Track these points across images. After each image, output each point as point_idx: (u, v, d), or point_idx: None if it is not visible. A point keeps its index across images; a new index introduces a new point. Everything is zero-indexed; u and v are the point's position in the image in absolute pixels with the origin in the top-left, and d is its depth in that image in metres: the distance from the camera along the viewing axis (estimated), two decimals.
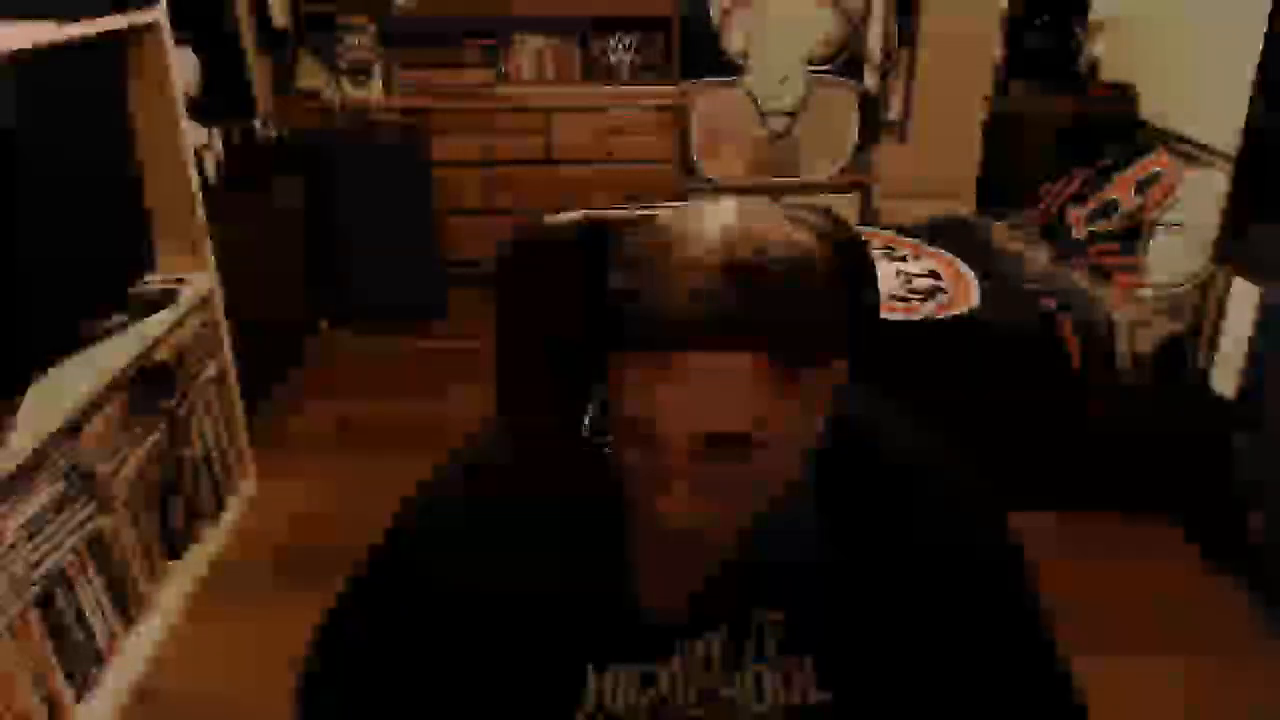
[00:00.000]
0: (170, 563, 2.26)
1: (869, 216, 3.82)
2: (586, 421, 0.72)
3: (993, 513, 0.85)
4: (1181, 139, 2.74)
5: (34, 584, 1.75)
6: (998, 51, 3.42)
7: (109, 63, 2.19)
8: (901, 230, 3.06)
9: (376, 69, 3.72)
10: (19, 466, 1.70)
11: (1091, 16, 3.20)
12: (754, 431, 0.66)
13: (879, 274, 1.19)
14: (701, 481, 0.67)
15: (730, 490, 0.68)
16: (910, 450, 0.83)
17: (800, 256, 0.66)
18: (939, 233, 3.02)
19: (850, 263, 1.04)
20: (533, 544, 0.77)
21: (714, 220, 0.67)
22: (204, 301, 2.41)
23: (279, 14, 3.64)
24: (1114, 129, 3.01)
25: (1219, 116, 2.47)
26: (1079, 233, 2.86)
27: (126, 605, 2.05)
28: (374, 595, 0.85)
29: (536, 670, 0.79)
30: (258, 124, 3.39)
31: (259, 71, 3.60)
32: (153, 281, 2.34)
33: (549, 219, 1.08)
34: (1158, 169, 2.76)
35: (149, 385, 2.18)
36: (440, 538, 0.81)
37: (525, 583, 0.76)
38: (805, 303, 0.66)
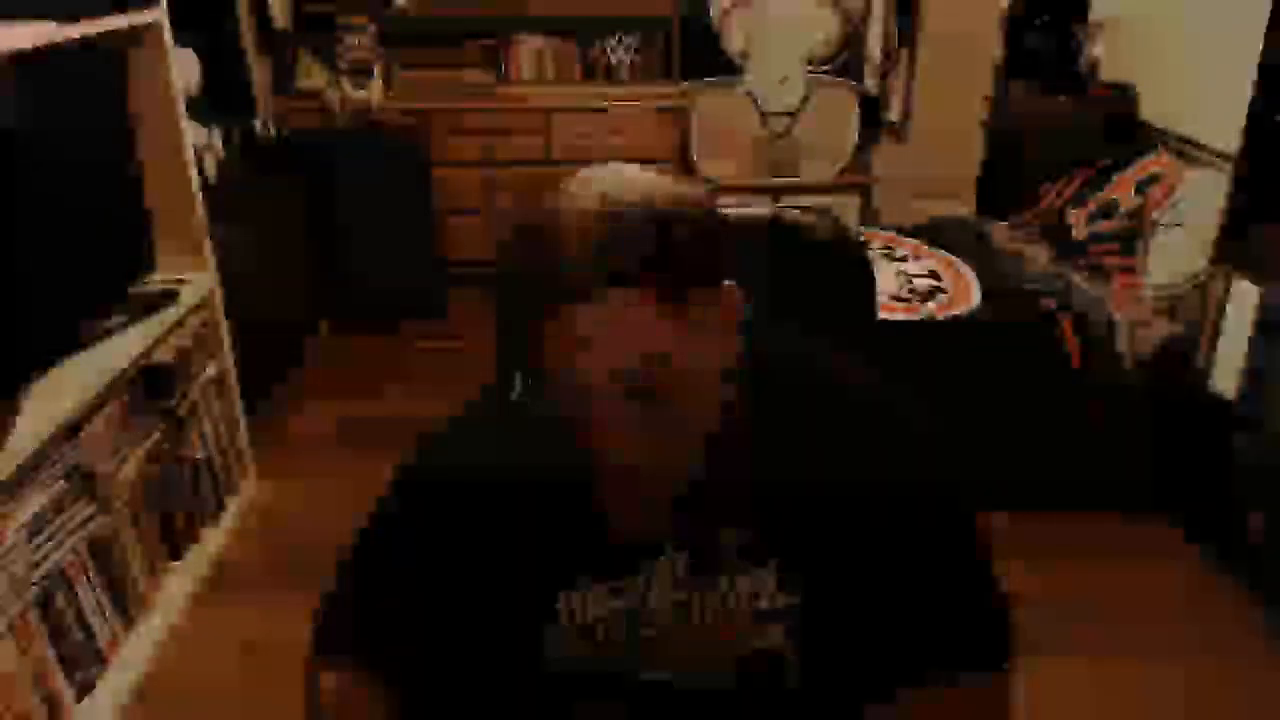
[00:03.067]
0: (170, 563, 2.26)
1: (869, 216, 3.83)
2: (516, 387, 0.82)
3: (925, 430, 0.88)
4: (1181, 139, 2.74)
5: (34, 584, 1.76)
6: (998, 51, 3.42)
7: (109, 63, 2.19)
8: (901, 230, 3.06)
9: (376, 69, 3.72)
10: (19, 466, 1.70)
11: (1091, 16, 3.20)
12: (658, 369, 0.72)
13: (879, 274, 1.20)
14: (626, 421, 0.73)
15: (658, 427, 0.74)
16: (842, 373, 0.90)
17: (664, 195, 0.73)
18: (939, 233, 3.02)
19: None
20: (512, 480, 0.85)
21: (583, 186, 0.74)
22: (204, 301, 2.41)
23: (279, 14, 3.64)
24: (1114, 129, 3.00)
25: (1219, 116, 2.47)
26: (1079, 233, 2.86)
27: (126, 605, 2.06)
28: (387, 523, 0.94)
29: (512, 590, 0.86)
30: (258, 124, 3.40)
31: (259, 71, 3.60)
32: (153, 281, 2.34)
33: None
34: (1158, 169, 2.76)
35: (149, 385, 2.18)
36: (435, 476, 0.92)
37: (506, 511, 0.83)
38: (671, 235, 0.71)
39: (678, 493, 0.81)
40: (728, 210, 1.06)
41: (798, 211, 1.21)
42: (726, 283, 0.78)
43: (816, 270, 1.17)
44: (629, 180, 0.74)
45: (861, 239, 1.25)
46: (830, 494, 0.83)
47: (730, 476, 0.83)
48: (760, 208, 1.24)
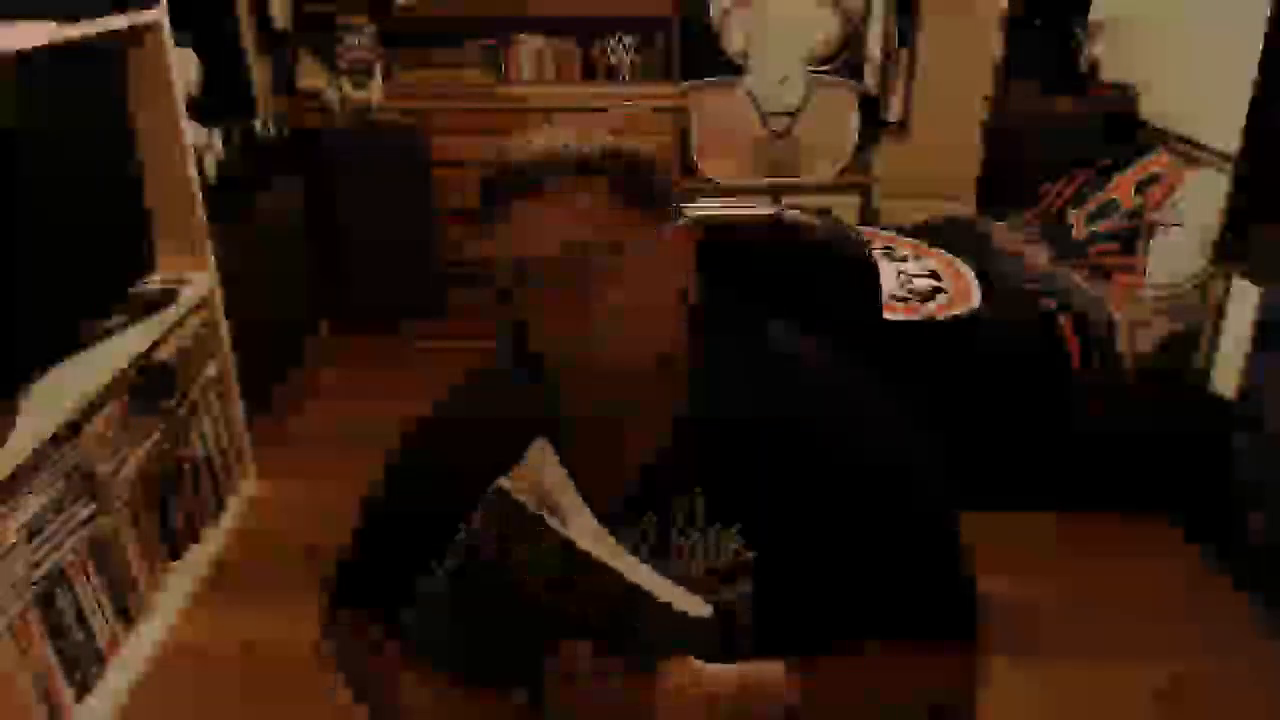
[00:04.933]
0: (170, 563, 2.26)
1: (869, 216, 3.82)
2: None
3: (888, 410, 0.94)
4: (1181, 139, 2.74)
5: (34, 584, 1.76)
6: (998, 51, 3.42)
7: (109, 63, 2.19)
8: (901, 230, 3.06)
9: (376, 69, 3.72)
10: (19, 466, 1.71)
11: (1091, 16, 3.20)
12: (609, 255, 0.82)
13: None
14: (566, 305, 0.82)
15: (596, 312, 0.82)
16: (812, 357, 0.96)
17: (599, 145, 0.85)
18: (939, 233, 3.02)
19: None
20: (489, 449, 0.89)
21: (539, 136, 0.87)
22: (204, 301, 2.41)
23: (279, 14, 3.64)
24: (1114, 129, 3.01)
25: (1219, 116, 2.47)
26: (1079, 233, 2.86)
27: (126, 605, 2.06)
28: (400, 461, 1.06)
29: None
30: (258, 124, 3.39)
31: (259, 71, 3.59)
32: (153, 281, 2.34)
33: None
34: (1158, 169, 2.76)
35: (149, 385, 2.18)
36: (433, 432, 1.04)
37: (491, 463, 0.86)
38: (623, 163, 0.85)
39: (643, 463, 0.89)
40: (729, 210, 1.08)
41: (799, 212, 1.21)
42: (681, 222, 0.89)
43: (818, 271, 1.17)
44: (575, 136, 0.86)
45: (865, 240, 1.24)
46: (791, 461, 0.88)
47: (691, 442, 0.89)
48: (762, 208, 1.24)
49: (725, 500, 0.89)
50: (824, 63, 3.81)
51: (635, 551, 0.87)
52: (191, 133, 2.41)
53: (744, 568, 0.89)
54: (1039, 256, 2.85)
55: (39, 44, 1.78)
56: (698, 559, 0.90)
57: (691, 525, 0.90)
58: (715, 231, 0.96)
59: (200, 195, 2.40)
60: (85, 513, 1.92)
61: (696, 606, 0.82)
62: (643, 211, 0.85)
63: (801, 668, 0.85)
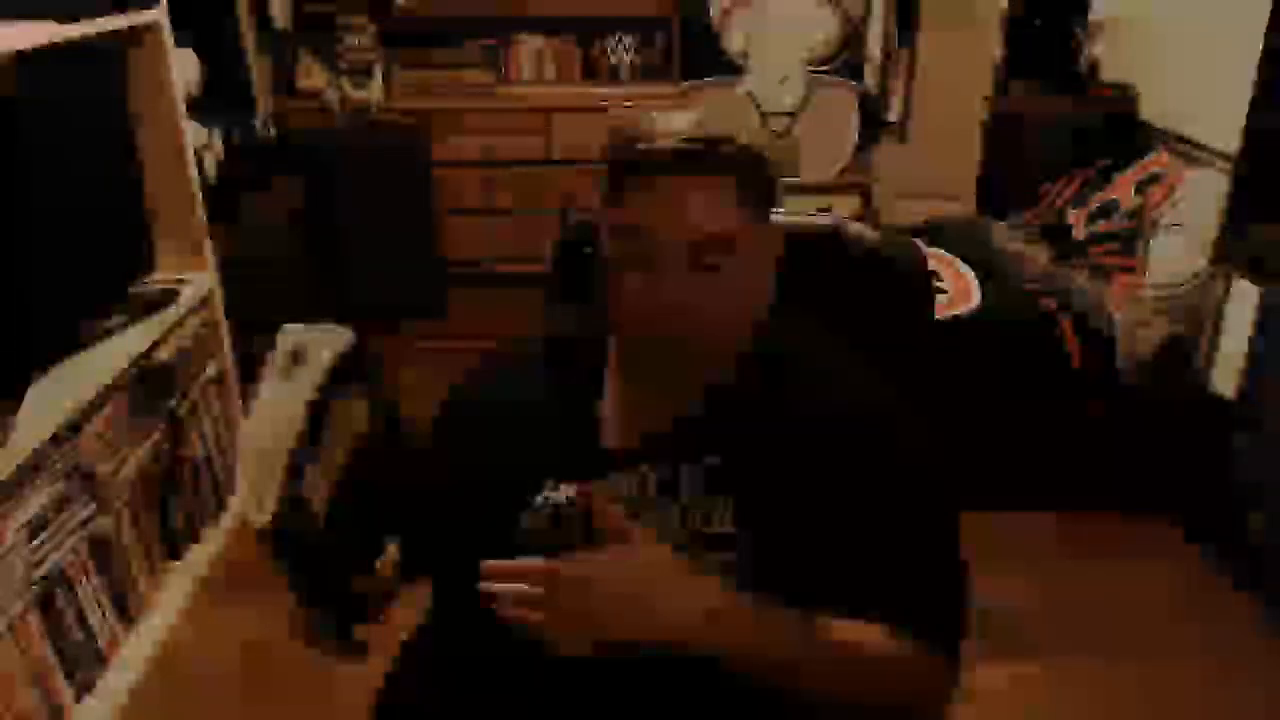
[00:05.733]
0: (170, 563, 2.26)
1: (869, 217, 3.82)
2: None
3: (902, 409, 0.97)
4: (1181, 139, 2.74)
5: (34, 584, 1.76)
6: (998, 51, 3.42)
7: (109, 63, 2.19)
8: (901, 230, 3.06)
9: (376, 69, 3.72)
10: (19, 466, 1.71)
11: (1091, 16, 3.20)
12: (722, 253, 0.87)
13: None
14: (688, 286, 0.86)
15: (708, 298, 0.87)
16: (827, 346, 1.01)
17: (747, 143, 0.92)
18: (939, 233, 3.02)
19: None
20: (536, 392, 1.03)
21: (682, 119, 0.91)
22: (204, 301, 2.41)
23: (279, 14, 3.64)
24: (1114, 129, 3.00)
25: (1219, 116, 2.47)
26: (1079, 233, 2.86)
27: (126, 605, 2.06)
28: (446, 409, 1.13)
29: (512, 472, 0.95)
30: (258, 124, 3.40)
31: (259, 71, 3.60)
32: (153, 281, 2.34)
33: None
34: (1158, 169, 2.76)
35: (149, 385, 2.18)
36: (480, 380, 1.12)
37: (524, 414, 1.01)
38: (752, 160, 0.91)
39: (676, 415, 0.94)
40: (790, 218, 1.10)
41: (863, 225, 1.21)
42: (775, 222, 0.94)
43: (872, 287, 1.17)
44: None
45: (923, 256, 1.24)
46: (800, 447, 0.91)
47: (727, 410, 0.94)
48: (824, 218, 1.23)
49: (732, 471, 0.92)
50: (824, 63, 3.81)
51: (640, 489, 0.92)
52: (191, 133, 2.41)
53: (726, 540, 0.90)
54: (1039, 256, 2.85)
55: (39, 44, 1.78)
56: (691, 519, 0.91)
57: (695, 485, 0.92)
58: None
59: (200, 195, 2.40)
60: (85, 513, 1.92)
61: None
62: (755, 211, 0.91)
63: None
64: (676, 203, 0.87)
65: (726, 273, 0.88)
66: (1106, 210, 2.82)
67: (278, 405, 0.81)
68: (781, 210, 0.98)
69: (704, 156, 0.87)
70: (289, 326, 0.83)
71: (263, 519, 0.81)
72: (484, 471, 0.99)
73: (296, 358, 0.81)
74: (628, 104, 0.95)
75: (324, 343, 0.81)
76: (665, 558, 0.83)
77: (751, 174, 0.91)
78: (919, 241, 1.43)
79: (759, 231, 0.91)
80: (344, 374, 0.81)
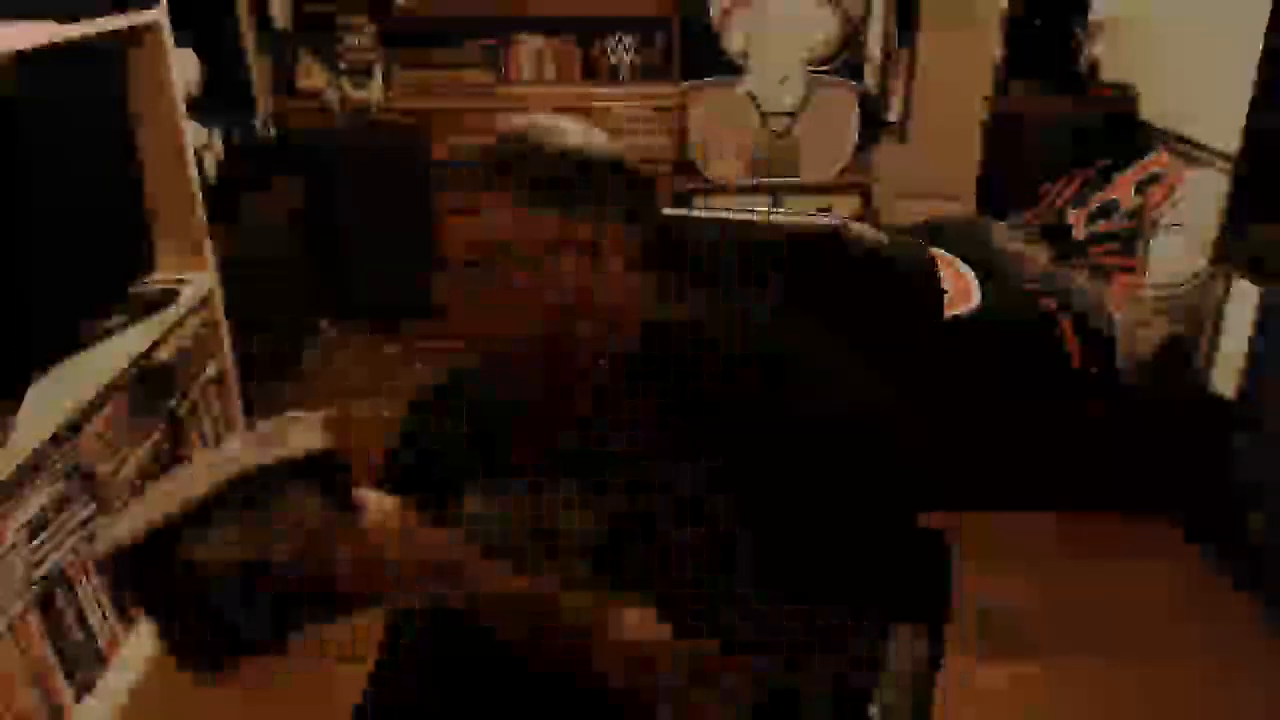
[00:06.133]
0: None
1: (869, 217, 3.82)
2: None
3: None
4: (1181, 139, 2.74)
5: (34, 584, 1.76)
6: (998, 51, 3.42)
7: (109, 63, 2.19)
8: (901, 231, 3.05)
9: (376, 69, 3.72)
10: (19, 466, 1.70)
11: (1091, 16, 3.20)
12: (498, 253, 0.90)
13: None
14: (467, 283, 0.92)
15: (491, 294, 0.91)
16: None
17: (542, 129, 0.92)
18: (939, 233, 3.02)
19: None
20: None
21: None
22: (204, 301, 2.41)
23: (279, 14, 3.64)
24: (1114, 129, 3.00)
25: (1219, 116, 2.47)
26: (1079, 233, 2.86)
27: (126, 605, 2.05)
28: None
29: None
30: (258, 124, 3.40)
31: (259, 71, 3.60)
32: (153, 281, 2.34)
33: None
34: (1158, 169, 2.76)
35: (149, 385, 2.18)
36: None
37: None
38: (525, 155, 0.90)
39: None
40: (793, 219, 1.10)
41: (865, 225, 1.21)
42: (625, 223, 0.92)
43: (872, 288, 1.17)
44: (539, 120, 0.93)
45: (930, 258, 1.23)
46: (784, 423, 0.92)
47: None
48: (826, 218, 1.23)
49: (728, 472, 0.91)
50: (824, 63, 3.82)
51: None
52: (191, 133, 2.41)
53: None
54: (1039, 256, 2.85)
55: (39, 44, 1.78)
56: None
57: (696, 491, 0.92)
58: (781, 239, 0.97)
59: (200, 195, 2.40)
60: (85, 513, 1.92)
61: None
62: (563, 211, 0.90)
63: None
64: (458, 218, 0.93)
65: (503, 273, 0.90)
66: (1106, 210, 2.82)
67: (212, 463, 0.80)
68: (781, 210, 0.98)
69: (471, 172, 0.92)
70: (277, 418, 0.82)
71: (111, 539, 0.79)
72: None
73: (268, 439, 0.81)
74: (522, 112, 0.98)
75: (300, 435, 0.80)
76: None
77: (539, 178, 0.90)
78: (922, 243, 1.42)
79: (564, 231, 0.90)
80: (307, 469, 0.80)
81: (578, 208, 0.91)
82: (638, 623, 0.86)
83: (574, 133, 0.93)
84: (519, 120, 0.94)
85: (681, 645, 0.86)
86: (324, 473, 0.79)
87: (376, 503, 0.83)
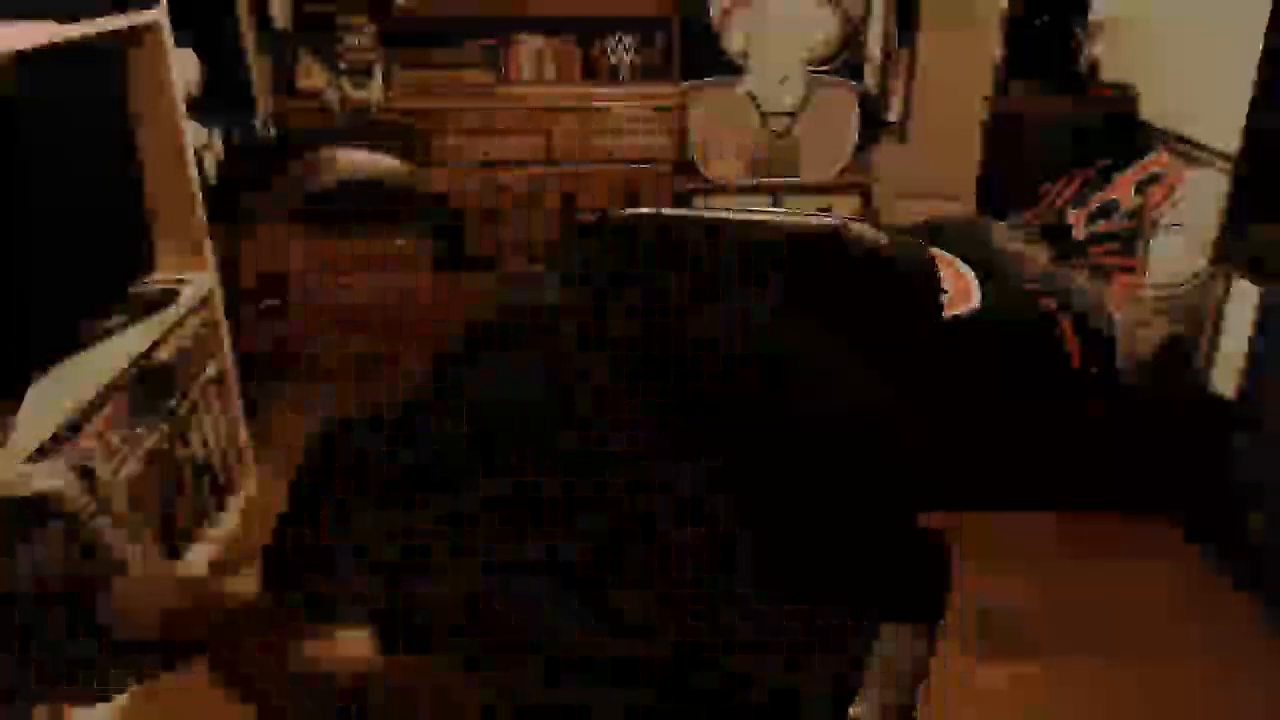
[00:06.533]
0: (170, 562, 2.25)
1: (869, 217, 3.82)
2: None
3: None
4: (1181, 139, 2.74)
5: None
6: (998, 51, 3.42)
7: (109, 63, 2.19)
8: (901, 231, 3.05)
9: (376, 69, 3.72)
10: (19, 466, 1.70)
11: (1091, 16, 3.20)
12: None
13: None
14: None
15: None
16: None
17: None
18: (939, 233, 3.02)
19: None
20: None
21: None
22: (204, 301, 2.41)
23: (279, 14, 3.64)
24: (1114, 129, 3.00)
25: (1219, 116, 2.47)
26: (1079, 233, 2.86)
27: None
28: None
29: None
30: (258, 124, 3.39)
31: (259, 71, 3.59)
32: (153, 281, 2.34)
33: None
34: (1158, 169, 2.76)
35: (149, 385, 2.18)
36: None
37: None
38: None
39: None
40: (793, 219, 1.10)
41: (866, 225, 1.20)
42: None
43: (871, 287, 1.16)
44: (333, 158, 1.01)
45: (930, 258, 1.23)
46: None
47: None
48: (827, 218, 1.22)
49: (728, 472, 0.92)
50: (824, 63, 3.81)
51: None
52: (191, 133, 2.41)
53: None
54: (1039, 256, 2.84)
55: (39, 44, 1.78)
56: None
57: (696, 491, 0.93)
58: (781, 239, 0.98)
59: (200, 195, 2.40)
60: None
61: None
62: (324, 229, 1.00)
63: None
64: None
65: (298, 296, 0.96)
66: (1106, 210, 2.82)
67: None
68: (781, 210, 0.99)
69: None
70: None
71: None
72: None
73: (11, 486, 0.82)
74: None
75: (42, 479, 0.82)
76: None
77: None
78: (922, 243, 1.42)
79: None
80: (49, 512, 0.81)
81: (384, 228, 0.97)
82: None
83: (365, 165, 0.99)
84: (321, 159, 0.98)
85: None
86: (68, 518, 0.79)
87: (183, 566, 0.85)
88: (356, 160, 0.95)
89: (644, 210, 1.19)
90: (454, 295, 1.01)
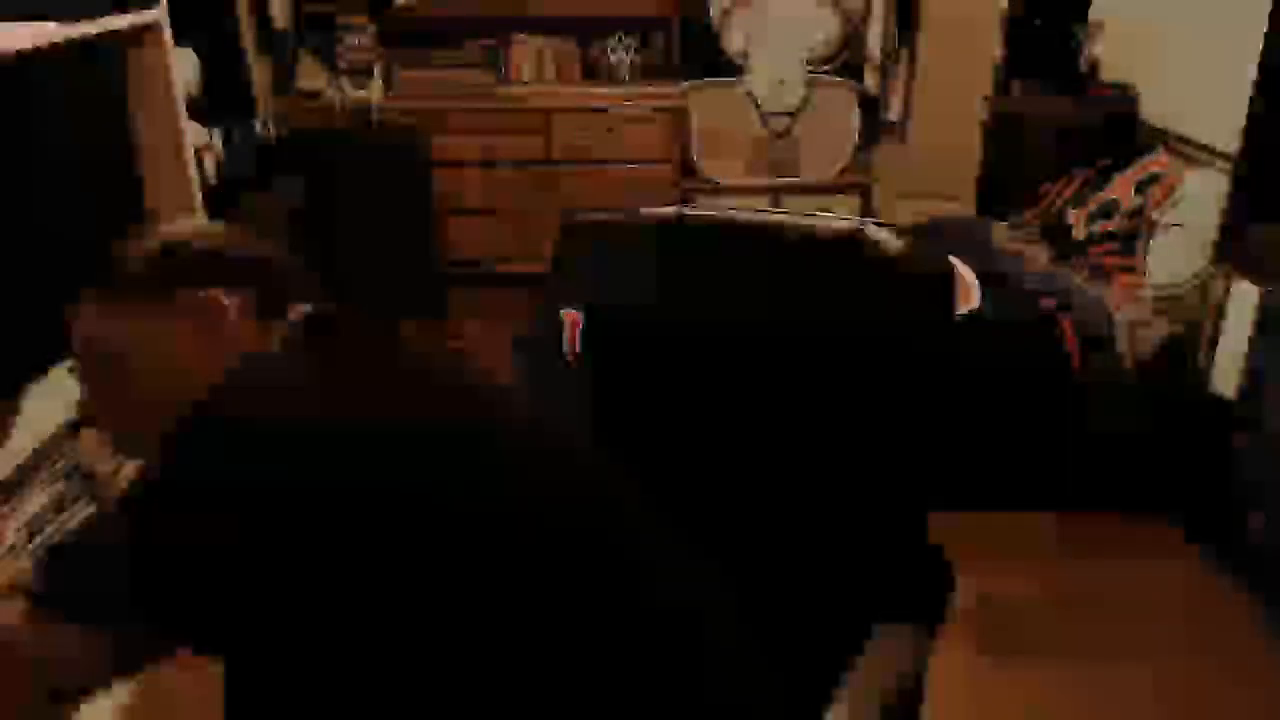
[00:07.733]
0: None
1: (869, 216, 3.83)
2: None
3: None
4: (1181, 139, 2.74)
5: None
6: (998, 51, 3.42)
7: (109, 63, 2.19)
8: (901, 231, 3.05)
9: (376, 69, 3.72)
10: (19, 466, 1.70)
11: (1091, 16, 3.20)
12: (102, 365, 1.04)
13: None
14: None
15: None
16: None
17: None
18: (939, 233, 3.02)
19: None
20: None
21: None
22: None
23: (279, 14, 3.64)
24: (1114, 129, 3.01)
25: (1219, 116, 2.47)
26: (1079, 233, 2.86)
27: None
28: None
29: None
30: (258, 124, 3.40)
31: (259, 71, 3.60)
32: None
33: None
34: (1158, 169, 2.76)
35: None
36: None
37: None
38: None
39: None
40: (813, 219, 1.09)
41: (885, 231, 1.19)
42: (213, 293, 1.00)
43: (883, 290, 1.15)
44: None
45: (947, 260, 1.21)
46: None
47: None
48: (847, 220, 1.21)
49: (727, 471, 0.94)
50: (824, 63, 3.82)
51: None
52: (191, 133, 2.41)
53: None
54: (1039, 256, 2.85)
55: (39, 44, 1.77)
56: None
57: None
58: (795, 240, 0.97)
59: (200, 195, 2.40)
60: (85, 513, 1.91)
61: None
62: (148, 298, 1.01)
63: None
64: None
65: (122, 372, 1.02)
66: (1106, 210, 2.82)
67: None
68: (786, 211, 0.99)
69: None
70: None
71: None
72: None
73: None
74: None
75: None
76: None
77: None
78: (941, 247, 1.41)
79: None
80: None
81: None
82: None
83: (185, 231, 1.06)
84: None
85: None
86: None
87: None
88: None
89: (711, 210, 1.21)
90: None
